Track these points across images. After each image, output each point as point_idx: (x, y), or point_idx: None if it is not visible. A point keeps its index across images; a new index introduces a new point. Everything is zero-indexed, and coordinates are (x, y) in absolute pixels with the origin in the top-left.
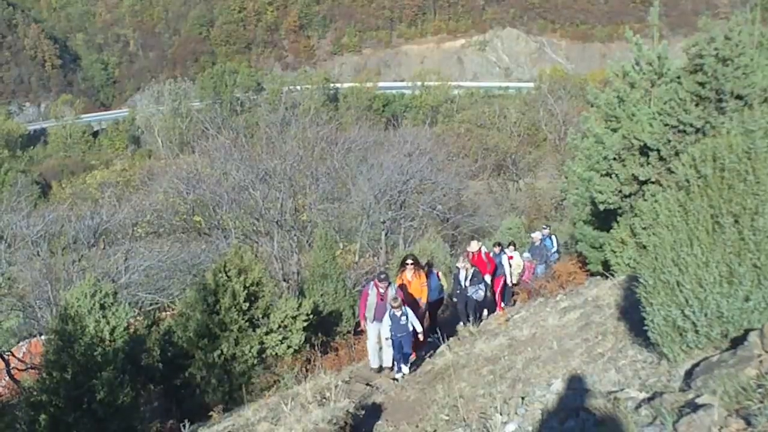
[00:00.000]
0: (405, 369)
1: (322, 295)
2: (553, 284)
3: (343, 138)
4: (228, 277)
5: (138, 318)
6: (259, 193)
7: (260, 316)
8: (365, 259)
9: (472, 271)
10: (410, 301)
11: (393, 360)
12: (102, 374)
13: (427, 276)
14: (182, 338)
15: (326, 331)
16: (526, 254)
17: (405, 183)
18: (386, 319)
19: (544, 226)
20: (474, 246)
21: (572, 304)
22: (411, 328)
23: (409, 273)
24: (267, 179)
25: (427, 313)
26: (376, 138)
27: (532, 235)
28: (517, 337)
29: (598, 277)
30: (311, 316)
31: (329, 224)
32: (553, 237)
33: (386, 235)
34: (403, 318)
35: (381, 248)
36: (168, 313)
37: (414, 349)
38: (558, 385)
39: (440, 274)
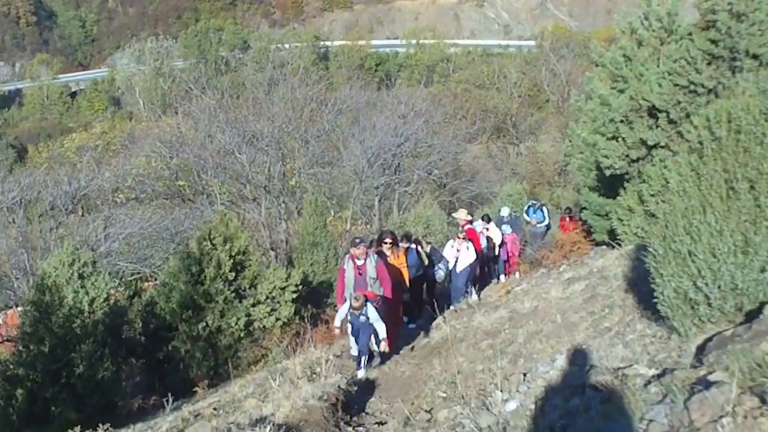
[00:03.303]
0: (361, 373)
1: (311, 264)
2: (557, 254)
3: (333, 99)
4: (213, 245)
5: (119, 288)
6: (246, 156)
7: (247, 286)
8: (358, 226)
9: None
10: (392, 279)
11: (359, 355)
12: (81, 347)
13: (407, 253)
14: (165, 310)
15: (317, 302)
16: (506, 227)
17: (399, 146)
18: (343, 309)
19: (534, 201)
20: (461, 214)
21: (577, 275)
22: (382, 331)
23: (386, 252)
24: (254, 142)
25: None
26: (368, 99)
27: (501, 210)
28: (518, 309)
29: (604, 246)
30: (301, 287)
31: (319, 190)
32: (544, 208)
33: (380, 201)
34: (363, 318)
35: (374, 215)
36: (150, 283)
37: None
38: (562, 361)
39: (420, 249)
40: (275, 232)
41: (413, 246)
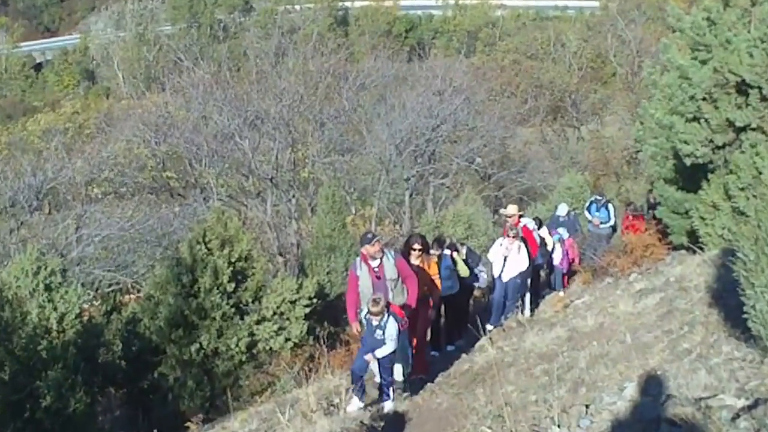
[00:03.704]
0: (389, 404)
1: (328, 273)
2: (625, 260)
3: (355, 72)
4: (208, 249)
5: (94, 303)
6: (248, 142)
7: (250, 300)
8: (384, 226)
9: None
10: (419, 293)
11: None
12: (48, 374)
13: (439, 263)
14: (150, 328)
15: (334, 319)
16: (560, 231)
17: (434, 129)
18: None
19: (598, 196)
20: (511, 209)
21: (650, 286)
22: (383, 351)
23: (415, 262)
24: (258, 125)
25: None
26: (397, 72)
27: (558, 207)
28: (578, 327)
29: (683, 251)
30: (315, 301)
31: (338, 182)
32: (609, 206)
33: (411, 196)
34: (379, 332)
35: (404, 213)
36: (132, 296)
37: (416, 370)
38: (632, 390)
39: (456, 255)
40: (284, 233)
41: (447, 252)
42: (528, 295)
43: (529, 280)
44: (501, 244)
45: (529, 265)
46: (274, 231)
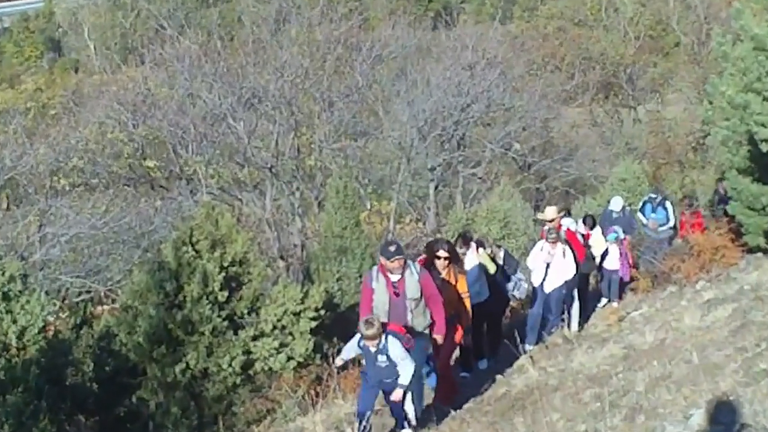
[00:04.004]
0: None
1: (338, 279)
2: (691, 265)
3: (370, 41)
4: (196, 252)
5: (60, 314)
6: (243, 125)
7: (245, 311)
8: (405, 224)
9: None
10: (447, 309)
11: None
12: (6, 399)
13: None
14: (127, 345)
15: (345, 334)
16: (616, 229)
17: (464, 110)
18: (351, 344)
19: (653, 194)
20: (550, 213)
21: (721, 296)
22: (406, 375)
23: (441, 271)
24: (255, 104)
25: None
26: (419, 41)
27: (611, 201)
28: (636, 344)
29: (760, 253)
30: (323, 313)
31: (350, 172)
32: (667, 204)
33: (437, 188)
34: (382, 359)
35: (429, 208)
36: (106, 307)
37: (441, 397)
38: (700, 418)
39: (482, 251)
40: (286, 233)
41: (503, 251)
42: (575, 307)
43: (575, 290)
44: (542, 249)
45: (576, 272)
46: (275, 230)
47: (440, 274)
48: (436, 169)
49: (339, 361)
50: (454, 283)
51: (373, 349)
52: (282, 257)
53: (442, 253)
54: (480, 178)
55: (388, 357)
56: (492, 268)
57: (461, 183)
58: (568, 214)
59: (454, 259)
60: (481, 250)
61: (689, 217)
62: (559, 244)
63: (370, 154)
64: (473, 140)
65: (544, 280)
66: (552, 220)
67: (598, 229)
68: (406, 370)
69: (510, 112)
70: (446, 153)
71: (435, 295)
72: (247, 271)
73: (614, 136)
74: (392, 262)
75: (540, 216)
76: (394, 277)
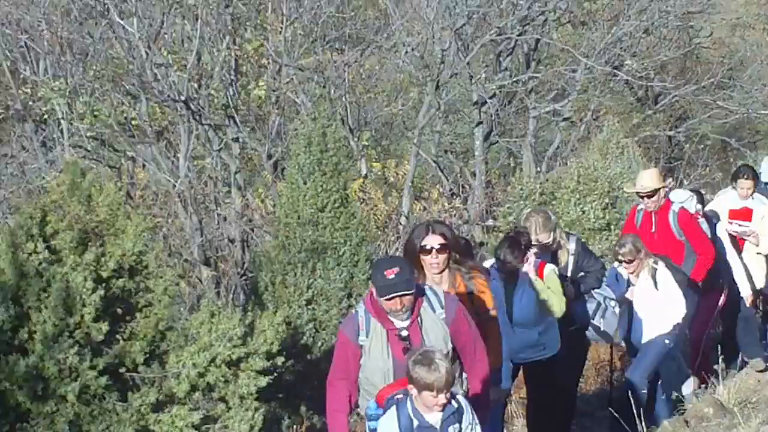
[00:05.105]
0: None
1: (309, 302)
2: None
3: None
4: (53, 252)
5: None
6: (138, 22)
7: (140, 358)
8: (432, 203)
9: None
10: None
11: None
12: None
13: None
14: None
15: (320, 392)
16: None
17: None
18: (390, 416)
19: None
20: (647, 180)
21: None
22: None
23: (433, 277)
24: None
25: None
26: None
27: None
28: None
29: None
30: (281, 362)
31: (331, 109)
32: None
33: (488, 139)
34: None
35: (474, 174)
36: None
37: None
38: None
39: (549, 271)
40: (214, 217)
41: (533, 260)
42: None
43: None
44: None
45: (698, 303)
46: (195, 212)
47: (433, 277)
48: (486, 103)
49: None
50: (463, 292)
51: (434, 419)
52: (208, 261)
53: (431, 241)
54: (566, 119)
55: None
56: (558, 306)
57: (533, 128)
58: (698, 194)
59: (459, 253)
60: (549, 268)
61: None
62: (643, 265)
63: (369, 77)
64: (555, 52)
65: (629, 327)
66: (650, 195)
67: (761, 202)
68: None
69: (621, 2)
70: (506, 75)
71: (474, 339)
72: (143, 287)
73: None
74: (390, 300)
75: (628, 188)
76: (400, 323)
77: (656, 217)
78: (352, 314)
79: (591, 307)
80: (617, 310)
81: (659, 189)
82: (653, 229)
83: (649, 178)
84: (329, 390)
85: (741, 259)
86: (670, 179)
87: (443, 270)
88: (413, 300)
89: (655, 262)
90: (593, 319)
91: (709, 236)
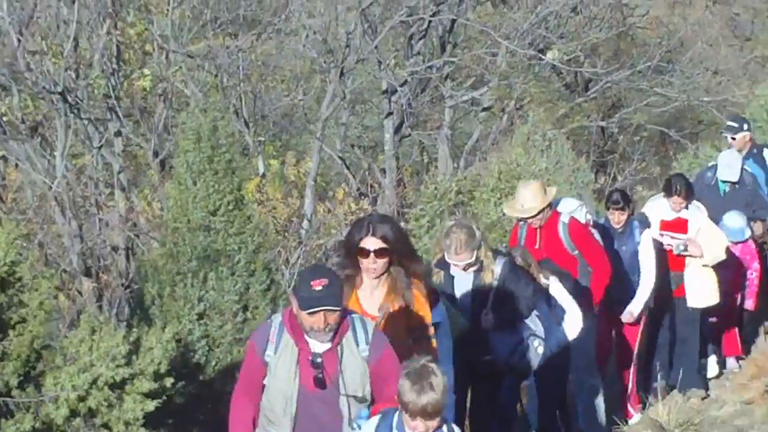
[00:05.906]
0: None
1: (201, 316)
2: None
3: None
4: None
5: None
6: (6, 6)
7: (14, 382)
8: (337, 202)
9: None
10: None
11: None
12: None
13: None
14: None
15: (215, 416)
16: (735, 219)
17: None
18: (371, 423)
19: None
20: (530, 198)
21: None
22: None
23: (373, 281)
24: None
25: None
26: None
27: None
28: None
29: None
30: (170, 383)
31: (224, 99)
32: None
33: (399, 131)
34: None
35: (384, 171)
36: None
37: None
38: None
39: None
40: (95, 222)
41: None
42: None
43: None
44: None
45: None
46: (75, 216)
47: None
48: (397, 91)
49: None
50: (422, 304)
51: None
52: (88, 271)
53: (369, 243)
54: (486, 108)
55: None
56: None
57: (449, 119)
58: (624, 200)
59: (406, 255)
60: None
61: None
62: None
63: (266, 64)
64: (472, 35)
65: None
66: (531, 216)
67: (697, 211)
68: None
69: None
70: (419, 60)
71: (396, 381)
72: (16, 301)
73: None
74: (313, 315)
75: (509, 211)
76: (319, 346)
77: (541, 231)
78: (266, 323)
79: (510, 342)
80: (540, 349)
81: (545, 208)
82: (537, 246)
83: (532, 198)
84: (231, 408)
85: (660, 273)
86: (555, 188)
87: (381, 275)
88: (338, 321)
89: (546, 278)
90: (511, 355)
91: (603, 247)
